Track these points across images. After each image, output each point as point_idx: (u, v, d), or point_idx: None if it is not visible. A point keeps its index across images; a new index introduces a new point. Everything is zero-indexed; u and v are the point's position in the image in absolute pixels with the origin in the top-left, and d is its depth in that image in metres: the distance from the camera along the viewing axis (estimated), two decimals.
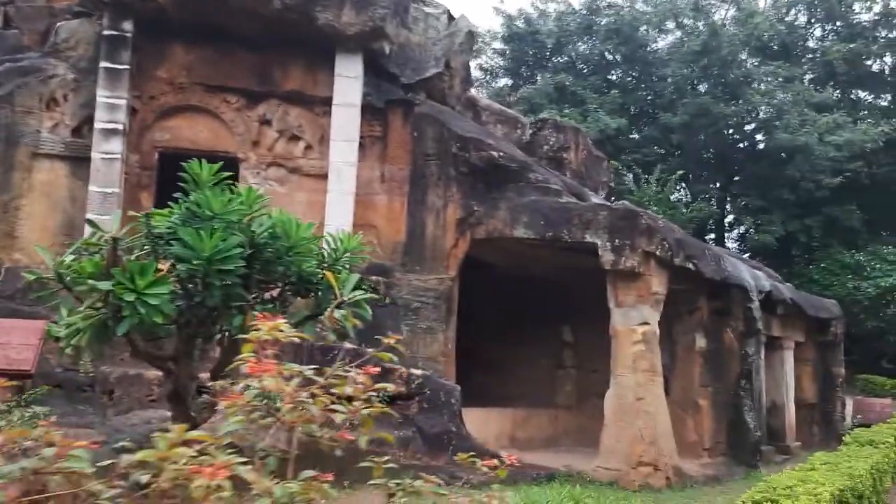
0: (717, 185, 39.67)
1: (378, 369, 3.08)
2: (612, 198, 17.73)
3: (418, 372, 10.68)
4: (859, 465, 8.44)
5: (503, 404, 14.95)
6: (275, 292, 6.88)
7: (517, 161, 12.30)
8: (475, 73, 43.50)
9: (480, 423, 12.94)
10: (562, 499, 4.88)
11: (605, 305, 12.19)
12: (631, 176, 32.48)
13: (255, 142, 12.41)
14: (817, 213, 34.50)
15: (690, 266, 12.40)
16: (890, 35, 35.43)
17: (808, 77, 35.92)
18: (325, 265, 6.69)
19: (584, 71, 36.78)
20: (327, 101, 12.04)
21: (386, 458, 3.11)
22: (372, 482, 3.00)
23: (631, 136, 36.78)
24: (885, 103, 36.99)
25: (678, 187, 37.48)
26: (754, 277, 14.61)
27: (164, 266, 6.33)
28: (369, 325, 11.70)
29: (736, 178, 38.32)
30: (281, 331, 2.76)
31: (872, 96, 37.60)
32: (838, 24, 36.43)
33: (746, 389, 14.09)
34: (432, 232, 12.38)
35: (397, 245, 12.25)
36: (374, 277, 11.87)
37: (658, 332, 12.15)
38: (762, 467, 13.46)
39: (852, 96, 37.18)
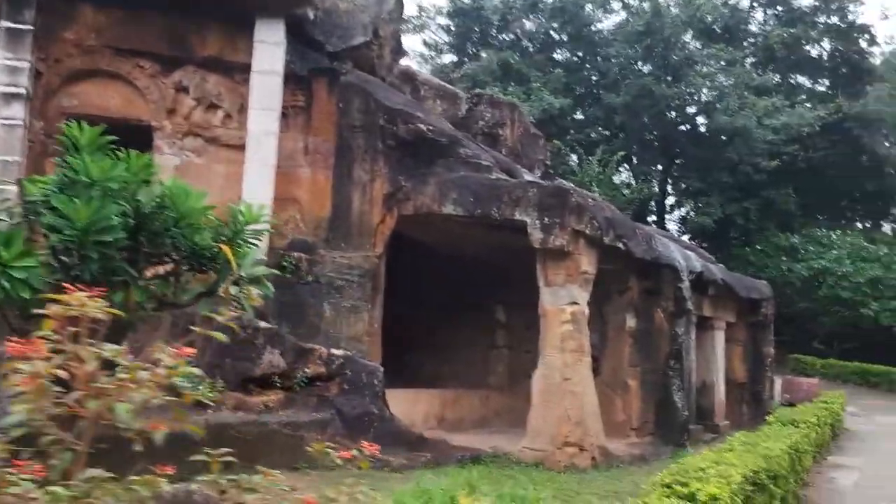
0: (660, 167, 40.12)
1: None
2: (555, 176, 17.58)
3: (339, 352, 10.35)
4: (777, 446, 8.44)
5: (435, 385, 14.75)
6: (168, 267, 6.47)
7: (447, 135, 11.98)
8: (419, 48, 42.95)
9: (408, 404, 12.70)
10: (457, 485, 4.61)
11: (537, 285, 12.02)
12: (574, 157, 32.55)
13: (170, 110, 11.79)
14: (755, 196, 35.18)
15: (620, 245, 12.31)
16: (828, 21, 36.13)
17: (749, 61, 36.44)
18: (225, 238, 6.29)
19: (530, 49, 36.60)
20: (248, 69, 11.48)
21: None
22: (202, 478, 2.65)
23: (575, 117, 36.86)
24: (822, 88, 37.86)
25: (620, 168, 37.80)
26: (685, 258, 14.66)
27: (38, 237, 5.86)
28: (291, 303, 11.44)
29: (677, 161, 38.78)
30: (88, 305, 2.39)
31: (810, 81, 38.40)
32: (779, 8, 36.99)
33: (676, 369, 14.16)
34: (358, 207, 12.00)
35: (321, 221, 11.83)
36: (295, 254, 11.48)
37: (587, 311, 12.04)
38: (690, 446, 13.55)
39: (791, 81, 37.93)
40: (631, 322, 13.83)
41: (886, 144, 37.77)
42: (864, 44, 36.90)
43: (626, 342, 13.83)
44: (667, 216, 41.88)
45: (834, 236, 33.44)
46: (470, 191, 11.58)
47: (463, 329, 15.65)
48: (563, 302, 11.78)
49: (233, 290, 5.91)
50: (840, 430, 16.92)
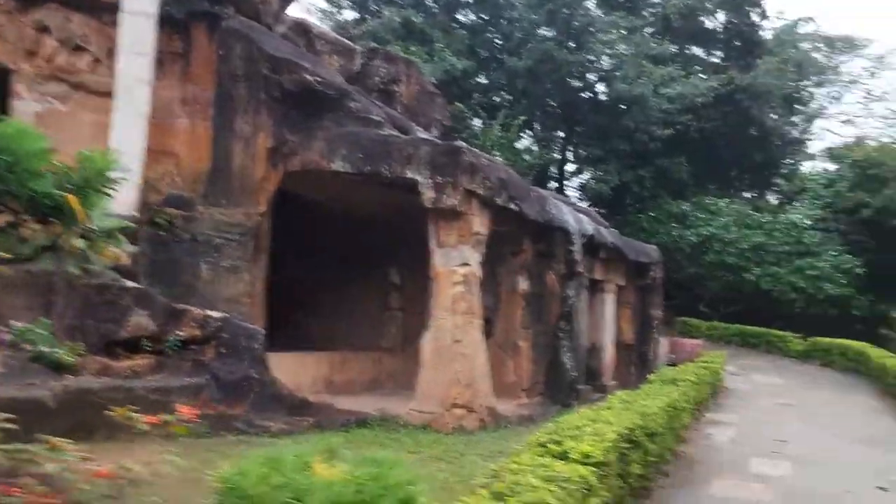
0: (561, 134, 40.63)
1: None
2: (454, 137, 17.30)
3: (216, 314, 9.83)
4: (654, 404, 8.62)
5: (327, 348, 14.42)
6: (6, 217, 5.85)
7: (336, 88, 11.49)
8: (320, 3, 41.56)
9: (295, 367, 12.35)
10: (316, 450, 4.35)
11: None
12: (478, 121, 32.47)
13: (30, 51, 10.80)
14: (650, 165, 36.16)
15: (514, 207, 12.24)
16: None
17: (648, 30, 37.10)
18: (72, 187, 5.72)
19: (433, 9, 36.01)
20: (117, 9, 10.59)
21: None
22: None
23: (479, 81, 36.67)
24: (716, 60, 39.09)
25: (523, 134, 38.03)
26: (578, 221, 14.80)
27: None
28: (165, 262, 10.78)
29: (578, 128, 39.29)
30: None
31: (705, 52, 39.57)
32: None
33: (566, 331, 14.36)
34: (240, 162, 11.39)
35: (200, 175, 11.17)
36: (171, 210, 10.81)
37: (479, 273, 11.96)
38: (577, 406, 13.83)
39: (687, 51, 38.94)
40: (524, 284, 13.88)
41: (774, 117, 39.54)
42: (755, 17, 38.24)
43: (518, 304, 13.88)
44: (567, 183, 42.63)
45: (722, 204, 34.89)
46: (360, 147, 11.19)
47: (356, 291, 15.34)
48: (455, 263, 11.64)
49: (80, 243, 5.39)
50: (720, 389, 17.72)
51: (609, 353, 18.19)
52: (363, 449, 9.19)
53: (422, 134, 13.28)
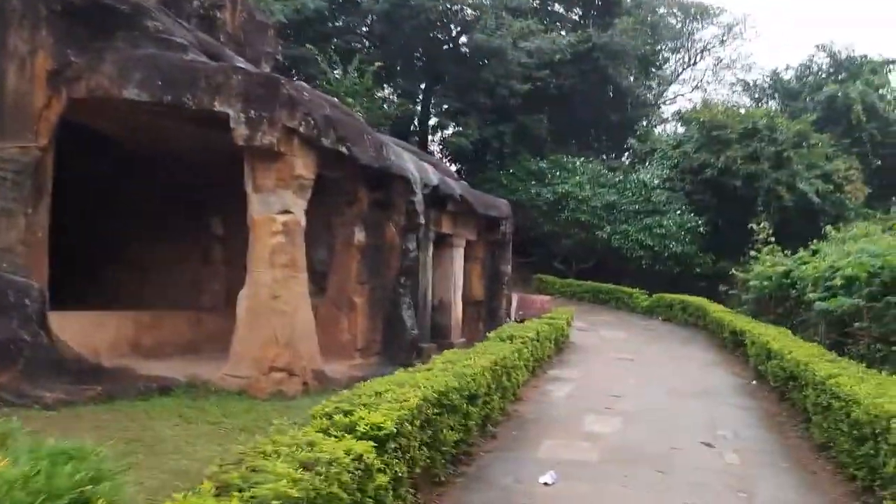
0: (423, 85, 39.65)
1: None
2: (295, 77, 15.84)
3: None
4: (479, 363, 7.94)
5: (139, 306, 12.89)
6: None
7: (130, 3, 9.86)
8: None
9: (90, 329, 10.85)
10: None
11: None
12: (332, 66, 30.78)
13: None
14: (510, 121, 36.02)
15: (343, 149, 11.16)
16: None
17: None
18: None
19: None
20: None
21: None
22: None
23: (335, 24, 34.93)
24: (575, 17, 39.31)
25: (385, 85, 36.77)
26: (420, 170, 13.93)
27: None
28: None
29: (440, 81, 38.44)
30: None
31: (565, 9, 39.65)
32: None
33: (406, 286, 13.55)
34: (14, 86, 9.61)
35: None
36: None
37: (303, 222, 10.85)
38: (418, 365, 13.14)
39: (548, 6, 38.90)
40: (360, 236, 12.90)
41: (630, 79, 40.42)
42: None
43: (353, 257, 12.90)
44: (430, 137, 41.91)
45: (578, 163, 35.34)
46: (158, 72, 9.68)
47: (174, 243, 13.81)
48: (275, 210, 10.47)
49: None
50: (566, 345, 17.65)
51: (457, 310, 17.64)
52: (137, 423, 8.12)
53: (241, 65, 11.83)
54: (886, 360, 9.41)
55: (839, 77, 39.91)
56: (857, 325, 10.59)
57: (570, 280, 32.39)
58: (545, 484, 6.83)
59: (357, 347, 12.84)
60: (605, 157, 42.92)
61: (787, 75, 43.46)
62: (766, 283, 18.10)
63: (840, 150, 33.01)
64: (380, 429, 4.85)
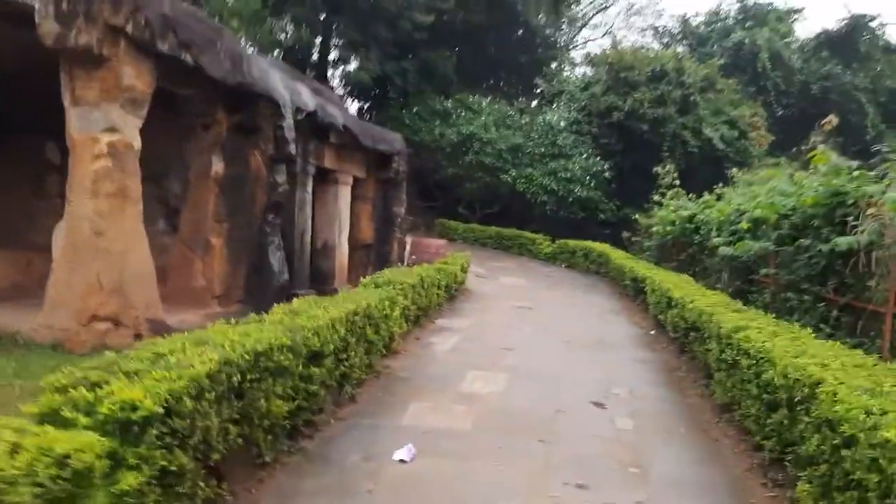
0: (323, 16, 37.12)
1: None
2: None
3: None
4: (332, 313, 6.56)
5: None
6: None
7: None
8: None
9: None
10: None
11: None
12: None
13: None
14: (414, 56, 34.20)
15: (187, 58, 9.35)
16: None
17: None
18: None
19: None
20: None
21: None
22: None
23: None
24: None
25: (281, 13, 34.08)
26: (292, 92, 12.22)
27: None
28: None
29: (340, 11, 35.97)
30: None
31: None
32: None
33: (275, 225, 11.97)
34: None
35: None
36: None
37: (138, 144, 9.08)
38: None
39: None
40: (218, 166, 11.18)
41: (541, 17, 39.10)
42: None
43: (210, 191, 11.18)
44: (331, 72, 39.56)
45: (484, 103, 34.00)
46: None
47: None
48: (98, 128, 8.65)
49: None
50: (460, 292, 16.51)
51: (343, 254, 16.19)
52: None
53: None
54: (795, 310, 8.61)
55: (746, 24, 39.80)
56: (763, 271, 9.78)
57: (474, 225, 31.34)
58: (400, 461, 5.59)
59: (214, 295, 11.24)
60: (515, 102, 41.77)
61: (697, 21, 43.17)
62: (669, 228, 17.42)
63: (746, 98, 32.90)
64: (133, 409, 3.42)
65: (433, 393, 7.78)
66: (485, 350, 10.38)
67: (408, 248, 19.08)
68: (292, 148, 11.87)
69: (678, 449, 6.33)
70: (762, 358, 5.55)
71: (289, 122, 11.73)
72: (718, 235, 13.15)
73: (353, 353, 7.15)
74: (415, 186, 36.52)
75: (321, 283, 15.07)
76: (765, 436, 5.63)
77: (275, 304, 10.64)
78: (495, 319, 13.56)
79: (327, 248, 15.79)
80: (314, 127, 13.69)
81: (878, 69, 38.39)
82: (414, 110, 33.84)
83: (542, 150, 30.69)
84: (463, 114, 33.05)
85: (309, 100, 12.81)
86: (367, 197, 17.43)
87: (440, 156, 32.45)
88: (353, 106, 39.27)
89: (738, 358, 6.24)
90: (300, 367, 5.61)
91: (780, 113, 35.69)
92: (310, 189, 14.25)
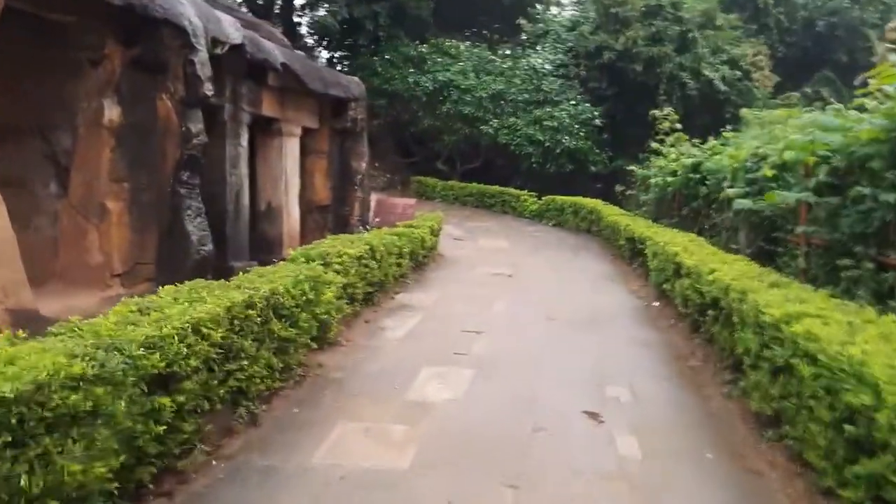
0: None
1: None
2: None
3: None
4: (204, 307, 4.63)
5: None
6: None
7: None
8: None
9: None
10: None
11: None
12: None
13: None
14: None
15: None
16: None
17: None
18: None
19: None
20: None
21: None
22: None
23: None
24: None
25: None
26: (208, 19, 10.06)
27: None
28: None
29: None
30: None
31: None
32: None
33: (192, 185, 9.93)
34: None
35: None
36: None
37: None
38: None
39: None
40: (112, 112, 9.07)
41: None
42: None
43: (104, 144, 9.10)
44: (298, 18, 37.03)
45: (462, 48, 31.69)
46: None
47: None
48: None
49: None
50: (430, 258, 14.60)
51: (292, 217, 14.16)
52: None
53: None
54: (842, 279, 6.74)
55: None
56: (800, 229, 7.87)
57: (453, 182, 29.30)
58: None
59: (114, 272, 9.24)
60: (496, 48, 39.38)
61: None
62: (669, 179, 15.45)
63: (746, 36, 30.68)
64: None
65: (370, 404, 5.91)
66: (448, 335, 8.50)
67: (373, 208, 17.05)
68: (208, 88, 9.77)
69: (708, 491, 4.48)
70: (842, 370, 3.66)
71: (202, 55, 9.61)
72: (732, 185, 11.23)
73: (250, 359, 5.23)
74: (390, 141, 34.40)
75: (266, 252, 13.07)
76: (841, 481, 3.78)
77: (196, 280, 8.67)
78: (467, 292, 11.67)
79: (272, 211, 13.77)
80: (246, 66, 11.60)
81: (888, 3, 36.15)
82: (386, 57, 31.49)
83: (526, 96, 28.51)
84: (439, 59, 30.75)
85: (232, 31, 10.67)
86: (320, 151, 15.35)
87: (416, 106, 30.26)
88: (323, 56, 36.87)
89: (794, 362, 4.35)
90: (131, 402, 3.69)
91: (783, 53, 33.51)
92: (245, 141, 12.18)
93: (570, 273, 14.18)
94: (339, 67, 34.01)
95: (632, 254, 14.85)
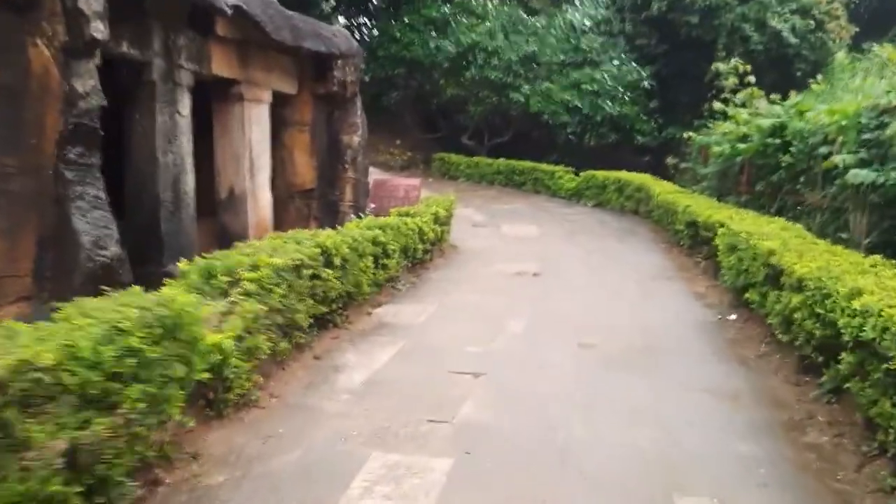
0: None
1: None
2: None
3: None
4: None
5: None
6: None
7: None
8: None
9: None
10: None
11: None
12: None
13: None
14: None
15: None
16: None
17: None
18: None
19: None
20: None
21: None
22: None
23: None
24: None
25: None
26: None
27: None
28: None
29: None
30: None
31: None
32: None
33: (84, 167, 7.41)
34: None
35: None
36: None
37: None
38: None
39: None
40: None
41: None
42: None
43: None
44: None
45: (490, 6, 28.71)
46: None
47: None
48: None
49: None
50: (433, 253, 11.94)
51: (261, 206, 11.63)
52: None
53: None
54: None
55: None
56: None
57: (479, 159, 26.50)
58: None
59: None
60: (529, 4, 36.30)
61: None
62: (740, 146, 12.48)
63: None
64: None
65: None
66: (431, 380, 5.86)
67: (372, 192, 14.37)
68: (97, 28, 7.19)
69: None
70: None
71: None
72: (834, 152, 8.35)
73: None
74: (413, 115, 31.71)
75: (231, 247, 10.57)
76: None
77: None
78: (475, 301, 8.99)
79: (234, 199, 11.25)
80: (187, 10, 9.06)
81: None
82: (404, 20, 28.70)
83: (563, 57, 25.50)
84: (464, 20, 27.86)
85: None
86: (301, 122, 12.74)
87: (437, 74, 27.49)
88: (341, 21, 34.25)
89: None
90: None
91: (856, 2, 29.90)
92: (186, 109, 9.63)
93: (613, 268, 11.39)
94: (357, 35, 31.36)
95: (693, 241, 12.00)
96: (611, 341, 7.10)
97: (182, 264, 5.27)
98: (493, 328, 7.57)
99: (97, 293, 7.46)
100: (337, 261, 6.97)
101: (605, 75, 24.36)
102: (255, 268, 5.41)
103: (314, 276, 6.50)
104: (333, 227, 12.10)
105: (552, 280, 10.46)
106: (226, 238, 11.30)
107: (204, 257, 5.51)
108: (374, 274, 8.40)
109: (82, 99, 7.28)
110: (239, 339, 4.95)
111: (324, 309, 6.83)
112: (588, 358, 6.58)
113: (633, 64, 24.78)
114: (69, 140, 7.27)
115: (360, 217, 12.50)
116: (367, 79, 31.04)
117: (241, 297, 5.13)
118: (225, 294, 5.22)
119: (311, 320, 6.62)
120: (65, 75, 7.23)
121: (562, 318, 8.10)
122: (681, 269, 11.32)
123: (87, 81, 7.31)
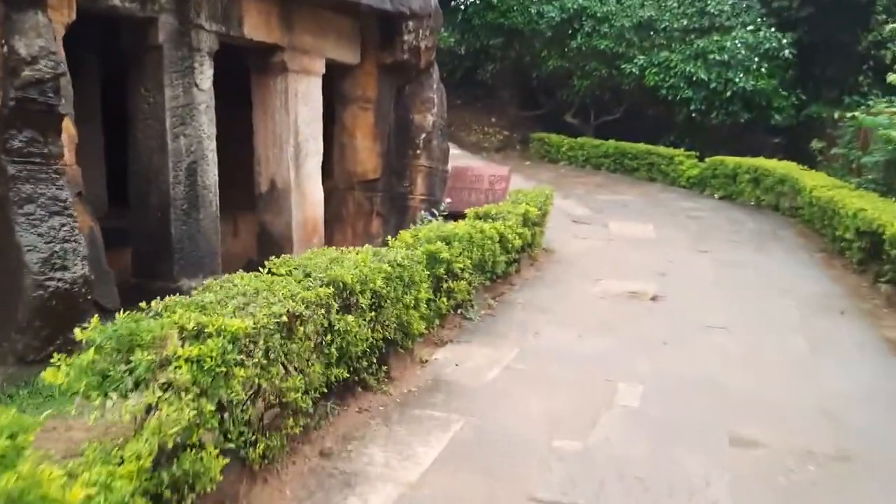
0: None
1: None
2: None
3: None
4: None
5: None
6: None
7: None
8: None
9: None
10: None
11: None
12: None
13: None
14: None
15: None
16: None
17: None
18: None
19: None
20: None
21: None
22: None
23: None
24: None
25: None
26: None
27: None
28: None
29: None
30: None
31: None
32: None
33: (35, 158, 5.59)
34: None
35: None
36: None
37: None
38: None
39: None
40: None
41: None
42: None
43: None
44: None
45: None
46: None
47: None
48: None
49: None
50: (520, 263, 9.71)
51: (310, 202, 9.69)
52: None
53: None
54: None
55: None
56: None
57: (584, 140, 23.88)
58: None
59: None
60: None
61: None
62: None
63: None
64: None
65: None
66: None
67: (449, 183, 12.19)
68: None
69: None
70: None
71: None
72: None
73: None
74: (511, 90, 29.37)
75: (270, 252, 8.66)
76: None
77: (33, 341, 4.04)
78: (569, 344, 6.73)
79: (276, 193, 9.35)
80: None
81: None
82: None
83: (685, 23, 22.54)
84: None
85: None
86: (363, 98, 10.70)
87: (539, 43, 25.00)
88: None
89: None
90: None
91: None
92: (205, 81, 7.76)
93: (759, 292, 8.86)
94: (452, 2, 29.18)
95: (866, 256, 9.31)
96: (781, 435, 4.73)
97: (88, 332, 3.25)
98: (595, 397, 5.32)
99: (52, 333, 5.62)
100: (364, 300, 4.87)
101: (738, 43, 21.25)
102: (197, 336, 3.37)
103: (325, 330, 4.42)
104: (401, 226, 10.10)
105: (677, 309, 8.05)
106: (266, 241, 9.48)
107: (131, 315, 3.47)
108: (429, 306, 6.27)
109: (27, 65, 5.43)
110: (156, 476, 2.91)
111: (344, 373, 4.75)
112: (750, 475, 4.24)
113: (772, 30, 21.56)
114: (10, 122, 5.45)
115: (433, 215, 10.44)
116: (461, 51, 29.00)
117: (166, 394, 3.10)
118: (147, 384, 3.19)
119: (325, 390, 4.57)
120: (2, 34, 5.40)
121: (697, 381, 5.76)
122: (853, 295, 8.66)
123: (33, 41, 5.46)
